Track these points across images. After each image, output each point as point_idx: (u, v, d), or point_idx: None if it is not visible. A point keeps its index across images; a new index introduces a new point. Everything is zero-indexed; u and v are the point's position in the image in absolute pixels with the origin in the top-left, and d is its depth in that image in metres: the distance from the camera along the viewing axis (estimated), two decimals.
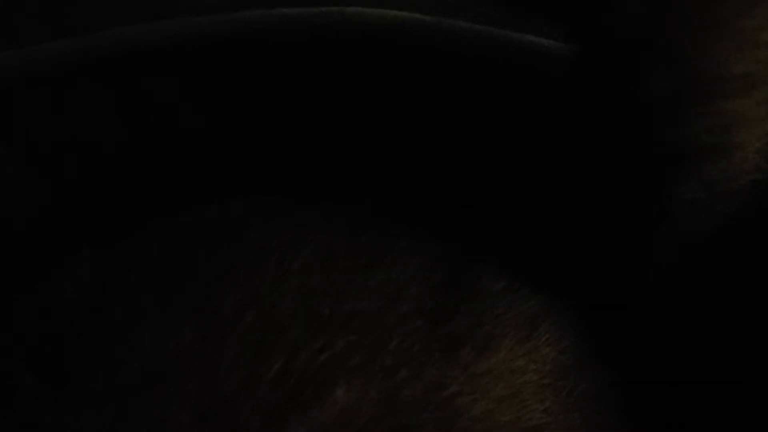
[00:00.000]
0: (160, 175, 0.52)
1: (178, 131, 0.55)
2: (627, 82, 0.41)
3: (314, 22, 0.55)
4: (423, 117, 0.54)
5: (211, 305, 0.42)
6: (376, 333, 0.41)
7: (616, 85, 0.42)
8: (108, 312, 0.43)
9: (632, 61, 0.41)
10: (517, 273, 0.45)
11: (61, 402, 0.39)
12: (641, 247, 0.44)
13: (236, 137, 0.55)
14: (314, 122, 0.55)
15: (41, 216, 0.53)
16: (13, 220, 0.53)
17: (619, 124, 0.42)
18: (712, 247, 0.44)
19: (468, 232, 0.48)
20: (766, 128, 0.42)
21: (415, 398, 0.40)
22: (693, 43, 0.40)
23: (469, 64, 0.53)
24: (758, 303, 0.44)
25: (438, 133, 0.53)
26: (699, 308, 0.45)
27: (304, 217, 0.46)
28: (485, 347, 0.42)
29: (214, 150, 0.55)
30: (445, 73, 0.53)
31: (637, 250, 0.44)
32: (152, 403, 0.38)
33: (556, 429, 0.41)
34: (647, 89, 0.41)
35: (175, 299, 0.42)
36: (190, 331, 0.41)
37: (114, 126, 0.54)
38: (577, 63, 0.44)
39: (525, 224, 0.47)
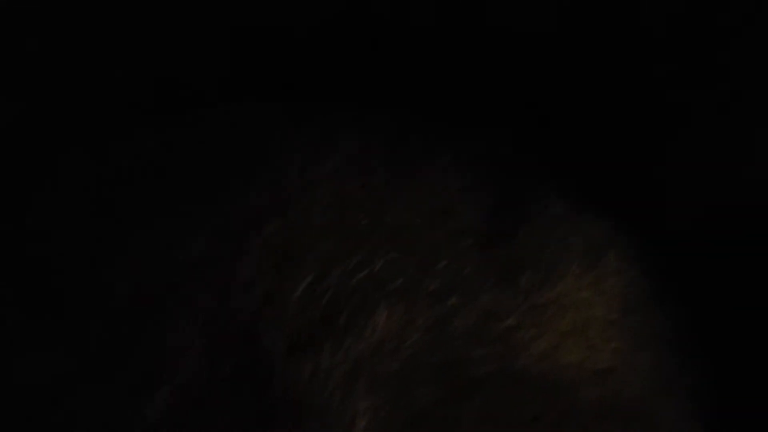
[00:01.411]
0: (169, 71, 0.45)
1: (192, 22, 0.48)
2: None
3: None
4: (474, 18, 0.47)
5: (226, 213, 0.35)
6: (422, 251, 0.35)
7: None
8: (105, 219, 0.36)
9: None
10: (579, 197, 0.39)
11: (52, 315, 0.32)
12: (730, 174, 0.37)
13: (248, 39, 0.48)
14: (329, 23, 0.47)
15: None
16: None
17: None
18: None
19: (520, 154, 0.41)
20: None
21: (468, 329, 0.33)
22: None
23: None
24: None
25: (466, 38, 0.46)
26: None
27: (335, 119, 0.40)
28: (548, 275, 0.36)
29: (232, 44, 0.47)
30: None
31: (725, 178, 0.37)
32: (153, 322, 0.32)
33: (625, 371, 0.35)
34: None
35: (183, 207, 0.35)
36: (200, 244, 0.34)
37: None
38: None
39: (586, 142, 0.41)
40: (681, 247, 0.40)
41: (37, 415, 0.31)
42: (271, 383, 0.31)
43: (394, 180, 0.38)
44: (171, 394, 0.30)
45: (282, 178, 0.36)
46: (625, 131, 0.40)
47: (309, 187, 0.36)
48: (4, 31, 0.44)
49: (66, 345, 0.32)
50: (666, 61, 0.40)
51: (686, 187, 0.40)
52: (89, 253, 0.35)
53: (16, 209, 0.38)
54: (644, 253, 0.40)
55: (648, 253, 0.40)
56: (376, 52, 0.43)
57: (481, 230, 0.37)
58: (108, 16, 0.43)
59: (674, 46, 0.39)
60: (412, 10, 0.45)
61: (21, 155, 0.45)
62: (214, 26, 0.45)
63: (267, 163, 0.37)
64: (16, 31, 0.44)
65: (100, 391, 0.31)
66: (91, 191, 0.38)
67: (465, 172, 0.39)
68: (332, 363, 0.31)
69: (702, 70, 0.39)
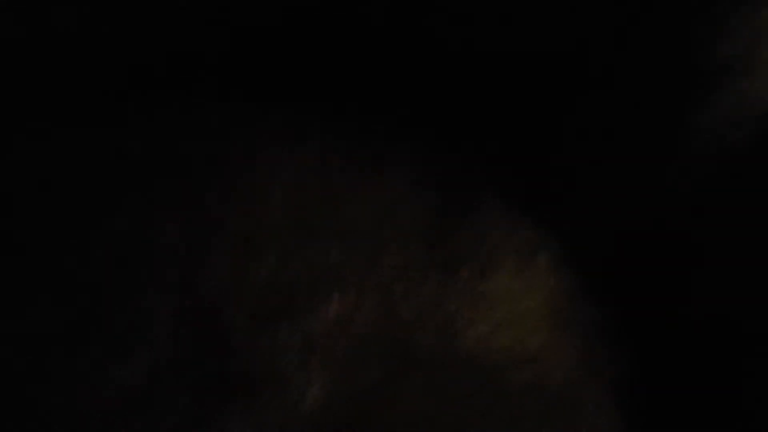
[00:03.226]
0: (141, 58, 0.47)
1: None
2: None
3: None
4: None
5: (198, 201, 0.38)
6: (372, 245, 0.38)
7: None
8: (83, 196, 0.39)
9: None
10: (517, 200, 0.43)
11: (24, 283, 0.35)
12: (653, 177, 0.41)
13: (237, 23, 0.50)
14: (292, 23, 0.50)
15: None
16: None
17: (650, 39, 0.40)
18: (716, 184, 0.42)
19: (466, 154, 0.45)
20: None
21: (412, 315, 0.37)
22: None
23: None
24: (758, 245, 0.42)
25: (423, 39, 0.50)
26: (697, 249, 0.43)
27: (300, 121, 0.43)
28: (485, 268, 0.39)
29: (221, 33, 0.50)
30: None
31: (648, 180, 0.42)
32: (127, 291, 0.35)
33: (551, 359, 0.39)
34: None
35: (157, 192, 0.39)
36: (170, 231, 0.37)
37: None
38: None
39: (526, 150, 0.45)
40: (605, 249, 0.44)
41: (16, 376, 0.34)
42: (232, 357, 0.35)
43: (350, 180, 0.41)
44: (144, 360, 0.33)
45: (245, 174, 0.39)
46: (547, 142, 0.44)
47: (272, 182, 0.39)
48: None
49: (46, 309, 0.35)
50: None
51: (607, 194, 0.44)
52: (70, 227, 0.38)
53: None
54: (573, 253, 0.44)
55: (576, 254, 0.44)
56: (338, 55, 0.46)
57: (426, 227, 0.41)
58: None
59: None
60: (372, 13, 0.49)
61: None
62: (188, 20, 0.48)
63: (235, 157, 0.40)
64: None
65: (78, 353, 0.34)
66: (68, 174, 0.41)
67: (413, 174, 0.43)
68: (289, 341, 0.35)
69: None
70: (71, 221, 0.37)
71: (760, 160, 0.42)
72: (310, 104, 0.44)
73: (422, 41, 0.47)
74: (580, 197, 0.44)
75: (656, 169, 0.43)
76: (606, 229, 0.44)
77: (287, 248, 0.37)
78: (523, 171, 0.44)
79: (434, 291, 0.38)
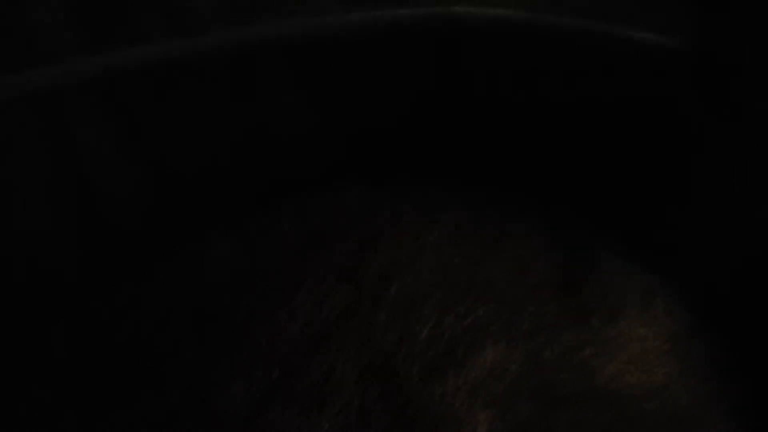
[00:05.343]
0: (264, 173, 0.55)
1: (289, 128, 0.58)
2: (758, 78, 0.45)
3: (422, 21, 0.59)
4: (524, 109, 0.57)
5: (357, 275, 0.45)
6: (512, 301, 0.45)
7: (746, 82, 0.45)
8: (261, 282, 0.46)
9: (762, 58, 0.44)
10: (630, 254, 0.49)
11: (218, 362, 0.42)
12: (740, 241, 0.47)
13: (346, 131, 0.58)
14: (420, 116, 0.58)
15: (150, 213, 0.56)
16: (119, 218, 0.55)
17: (741, 121, 0.46)
18: None
19: (577, 218, 0.51)
20: None
21: (556, 358, 0.43)
22: None
23: (570, 58, 0.56)
24: None
25: (539, 123, 0.57)
26: None
27: (430, 198, 0.50)
28: (611, 316, 0.46)
29: (323, 145, 0.58)
30: (548, 67, 0.56)
31: (735, 244, 0.48)
32: (317, 359, 0.42)
33: (676, 389, 0.45)
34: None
35: (322, 270, 0.46)
36: (342, 297, 0.44)
37: (226, 125, 0.57)
38: (699, 58, 0.48)
39: (632, 211, 0.51)
40: (720, 290, 0.50)
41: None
42: (409, 405, 0.41)
43: (483, 246, 0.48)
44: (336, 411, 0.40)
45: (394, 249, 0.47)
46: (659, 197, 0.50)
47: (417, 254, 0.46)
48: None
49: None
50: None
51: (717, 239, 0.50)
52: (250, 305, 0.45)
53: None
54: (688, 295, 0.50)
55: (691, 295, 0.50)
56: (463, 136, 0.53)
57: (556, 283, 0.47)
58: None
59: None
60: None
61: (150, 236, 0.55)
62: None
63: (381, 237, 0.47)
64: None
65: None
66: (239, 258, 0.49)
67: (538, 236, 0.50)
68: (456, 386, 0.42)
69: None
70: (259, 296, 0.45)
71: None
72: (445, 180, 0.51)
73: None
74: (692, 246, 0.50)
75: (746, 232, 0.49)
76: (716, 272, 0.50)
77: (441, 309, 0.44)
78: (638, 226, 0.50)
79: (571, 337, 0.44)
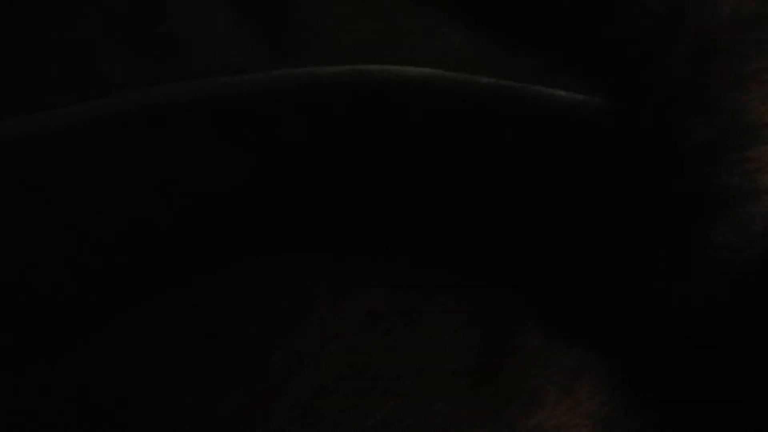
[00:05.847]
0: (195, 237, 0.52)
1: (208, 187, 0.55)
2: (667, 133, 0.43)
3: (338, 79, 0.56)
4: (442, 170, 0.55)
5: (258, 368, 0.42)
6: (424, 394, 0.42)
7: (656, 137, 0.43)
8: (150, 376, 0.43)
9: (672, 114, 0.42)
10: (553, 328, 0.46)
11: None
12: (674, 295, 0.44)
13: (267, 193, 0.55)
14: (337, 179, 0.55)
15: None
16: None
17: (658, 173, 0.44)
18: (742, 293, 0.45)
19: (501, 287, 0.48)
20: None
21: None
22: (727, 96, 0.42)
23: (492, 119, 0.54)
24: None
25: (457, 185, 0.54)
26: (726, 354, 0.46)
27: (341, 275, 0.47)
28: (531, 404, 0.42)
29: (243, 208, 0.55)
30: (468, 129, 0.54)
31: (669, 299, 0.45)
32: None
33: None
34: (686, 140, 0.42)
35: (219, 361, 0.43)
36: (238, 395, 0.41)
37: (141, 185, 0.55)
38: (615, 116, 0.45)
39: (555, 276, 0.48)
40: (649, 365, 0.47)
41: None
42: None
43: (395, 328, 0.45)
44: None
45: (299, 338, 0.43)
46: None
47: (323, 343, 0.43)
48: None
49: None
50: None
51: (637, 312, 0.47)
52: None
53: None
54: (612, 372, 0.46)
55: (616, 371, 0.47)
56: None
57: (473, 367, 0.44)
58: None
59: None
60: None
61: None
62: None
63: (285, 324, 0.44)
64: None
65: None
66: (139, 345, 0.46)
67: (456, 313, 0.47)
68: None
69: None
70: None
71: None
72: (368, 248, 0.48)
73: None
74: (612, 322, 0.47)
75: (679, 283, 0.46)
76: (642, 347, 0.47)
77: (344, 406, 0.41)
78: (556, 301, 0.47)
79: None
